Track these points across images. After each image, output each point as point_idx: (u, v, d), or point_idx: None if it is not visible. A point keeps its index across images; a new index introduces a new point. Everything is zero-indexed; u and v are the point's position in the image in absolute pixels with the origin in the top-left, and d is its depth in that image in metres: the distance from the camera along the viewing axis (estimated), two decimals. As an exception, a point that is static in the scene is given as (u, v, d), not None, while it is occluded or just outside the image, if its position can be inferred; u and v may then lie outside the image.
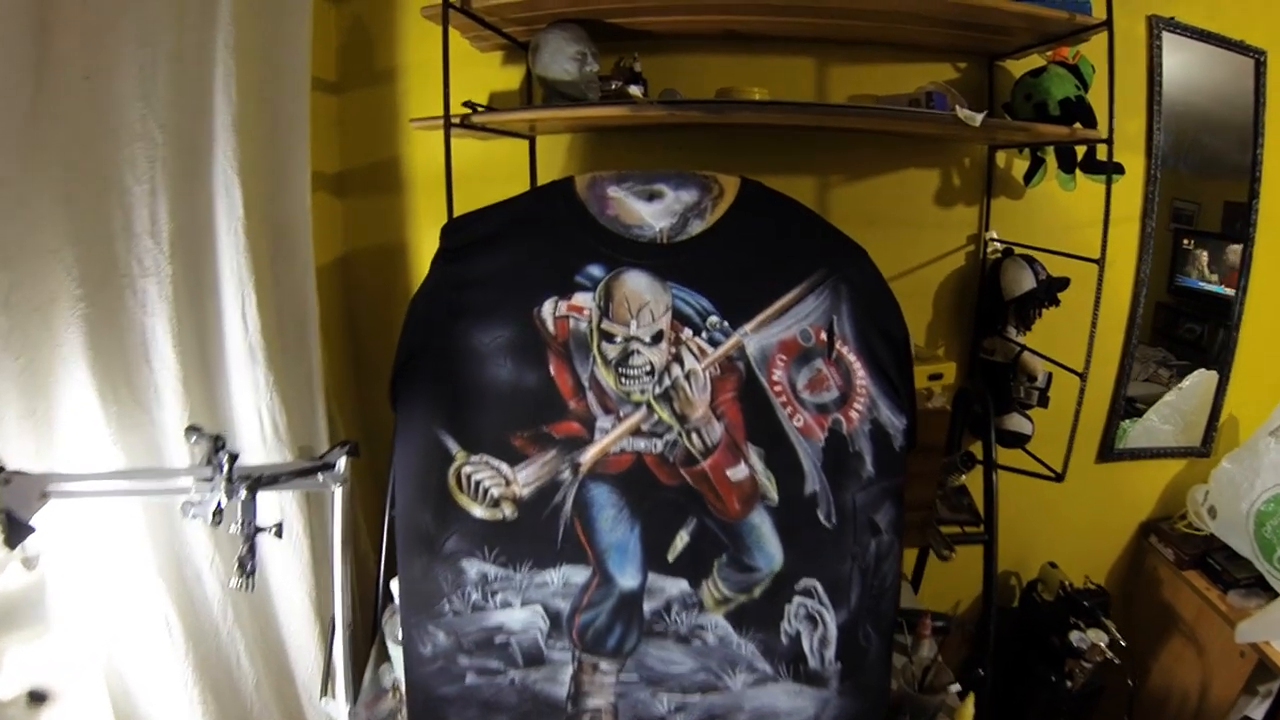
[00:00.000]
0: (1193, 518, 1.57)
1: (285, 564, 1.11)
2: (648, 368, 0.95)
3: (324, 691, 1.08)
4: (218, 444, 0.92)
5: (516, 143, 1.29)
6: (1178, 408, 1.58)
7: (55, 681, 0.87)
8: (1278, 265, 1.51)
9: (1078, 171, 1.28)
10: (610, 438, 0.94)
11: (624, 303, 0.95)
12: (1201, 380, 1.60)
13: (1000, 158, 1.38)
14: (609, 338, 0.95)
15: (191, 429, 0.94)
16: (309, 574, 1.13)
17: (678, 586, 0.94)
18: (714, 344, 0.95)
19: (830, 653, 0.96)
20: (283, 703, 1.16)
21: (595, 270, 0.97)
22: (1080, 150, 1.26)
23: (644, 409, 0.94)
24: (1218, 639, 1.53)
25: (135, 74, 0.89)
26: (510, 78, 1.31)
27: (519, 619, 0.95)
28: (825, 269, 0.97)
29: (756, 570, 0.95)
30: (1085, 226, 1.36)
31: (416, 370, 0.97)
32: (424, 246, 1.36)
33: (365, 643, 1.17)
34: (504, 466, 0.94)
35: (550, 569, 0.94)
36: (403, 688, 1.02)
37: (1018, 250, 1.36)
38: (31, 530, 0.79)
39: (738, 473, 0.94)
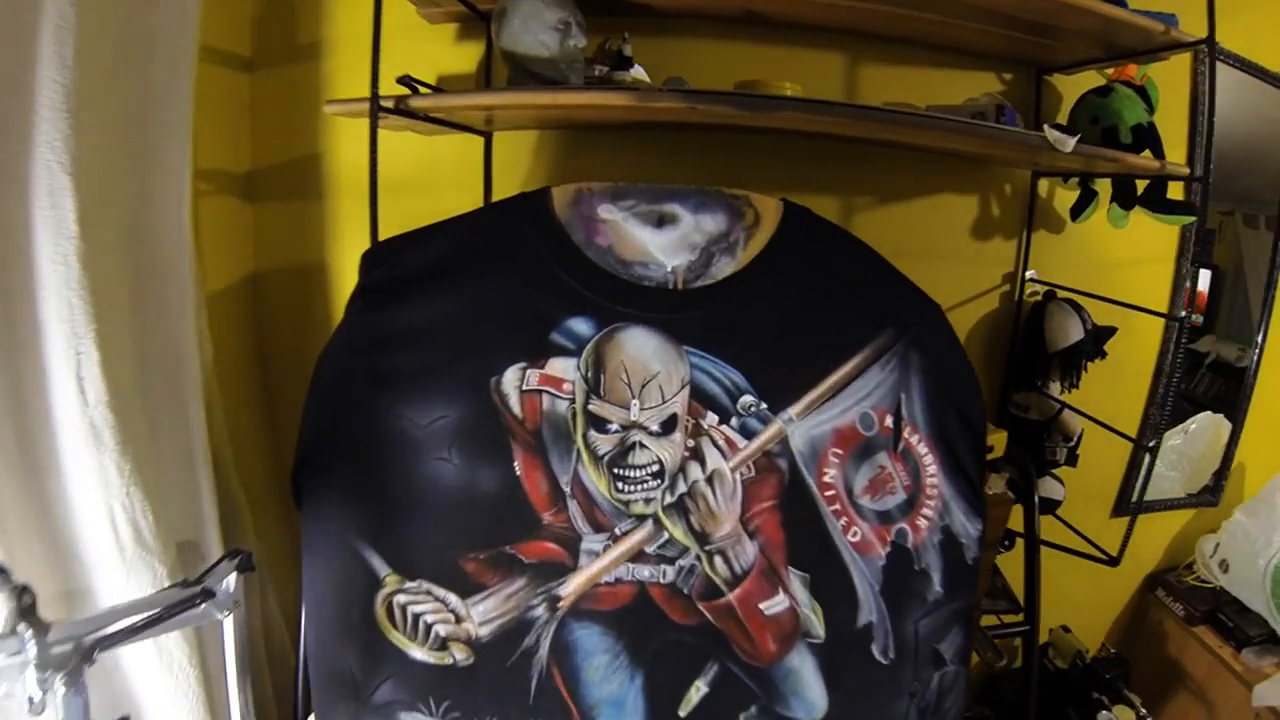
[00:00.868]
0: (1201, 570, 1.32)
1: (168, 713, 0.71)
2: (655, 468, 0.59)
3: None
4: (22, 599, 0.51)
5: (468, 140, 0.91)
6: (1185, 454, 1.32)
7: None
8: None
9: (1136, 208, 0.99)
10: (601, 564, 0.59)
11: (621, 374, 0.60)
12: (1209, 424, 1.34)
13: (1042, 186, 1.08)
14: (600, 424, 0.60)
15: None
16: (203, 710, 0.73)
17: (690, 749, 0.61)
18: (747, 434, 0.60)
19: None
20: None
21: (580, 326, 0.61)
22: (1140, 184, 0.98)
23: (649, 525, 0.59)
24: (1230, 699, 1.27)
25: None
26: (466, 57, 0.92)
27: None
28: (893, 330, 0.64)
29: (793, 724, 0.62)
30: (1122, 267, 1.08)
31: (327, 459, 0.61)
32: (355, 268, 0.96)
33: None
34: (452, 598, 0.59)
35: (519, 726, 0.59)
36: None
37: (1060, 293, 1.06)
38: None
39: (774, 605, 0.61)
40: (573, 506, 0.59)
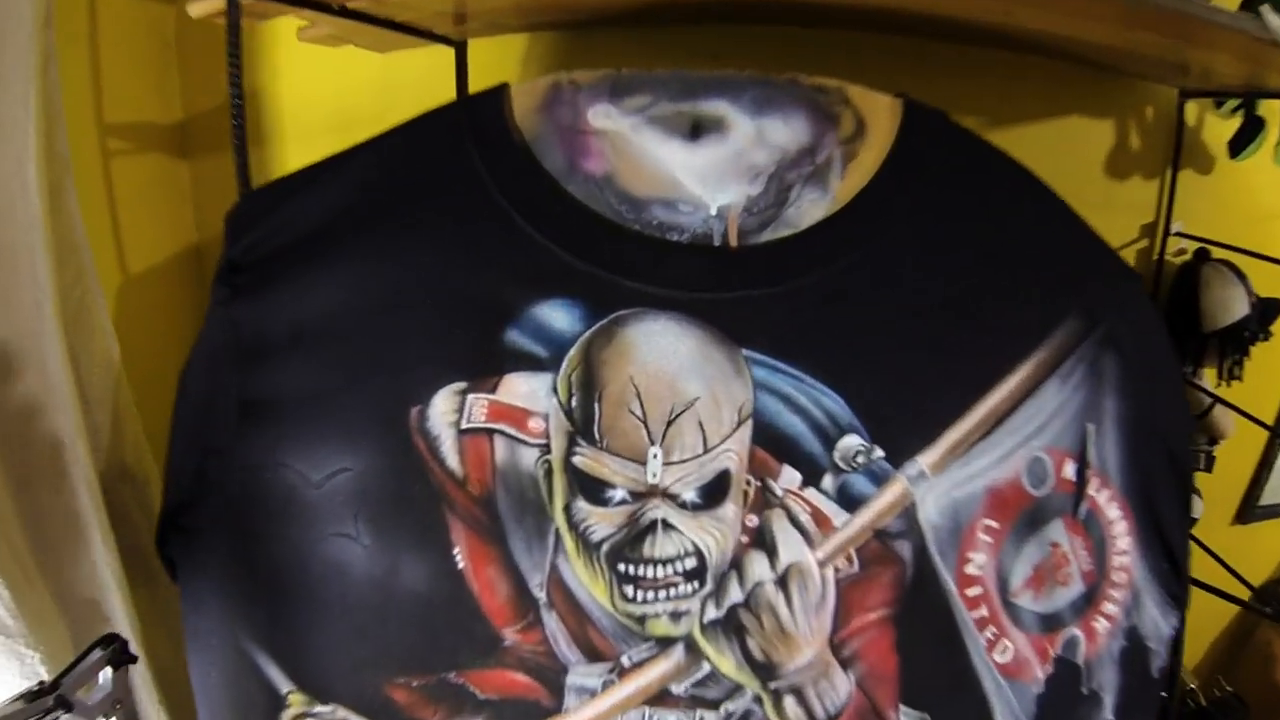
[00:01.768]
0: None
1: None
2: (689, 563, 0.31)
3: None
4: None
5: (435, 53, 0.59)
6: None
7: None
8: None
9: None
10: (600, 709, 0.31)
11: (631, 402, 0.30)
12: None
13: (1190, 112, 0.71)
14: (595, 490, 0.31)
15: None
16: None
17: None
18: (849, 503, 0.31)
19: None
20: None
21: (557, 316, 0.31)
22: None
23: (679, 652, 0.31)
24: None
25: None
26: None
27: None
28: (1080, 318, 0.33)
29: None
30: (1273, 219, 0.71)
31: (197, 521, 0.34)
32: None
33: None
34: None
35: None
36: None
37: (1215, 253, 0.71)
38: None
39: None
40: (551, 621, 0.31)
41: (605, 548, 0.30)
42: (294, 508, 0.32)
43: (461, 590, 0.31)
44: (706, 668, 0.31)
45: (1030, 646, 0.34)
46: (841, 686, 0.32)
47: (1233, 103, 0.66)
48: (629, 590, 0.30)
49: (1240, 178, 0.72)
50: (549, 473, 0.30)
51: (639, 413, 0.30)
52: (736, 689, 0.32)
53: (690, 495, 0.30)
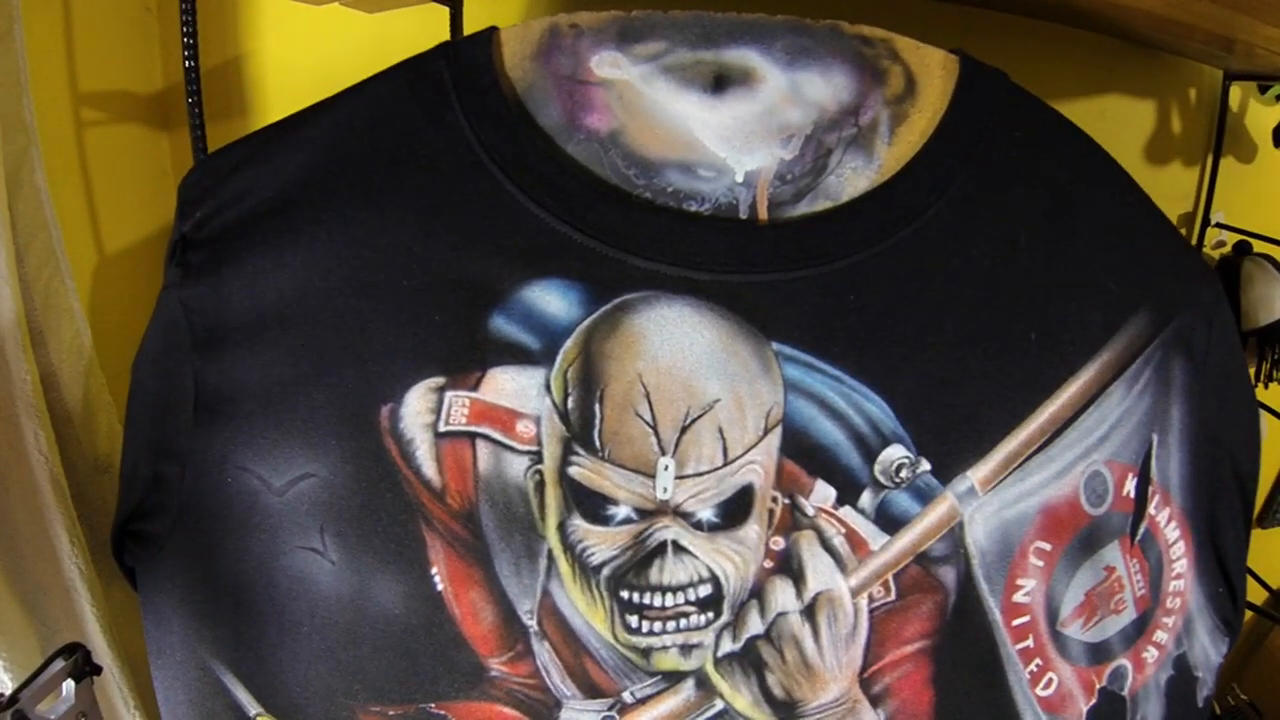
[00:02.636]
0: None
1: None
2: (703, 591, 0.23)
3: None
4: None
5: (430, 12, 0.50)
6: None
7: None
8: None
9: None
10: (597, 747, 0.24)
11: (639, 402, 0.22)
12: None
13: (1234, 96, 0.62)
14: (594, 506, 0.23)
15: None
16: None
17: None
18: (888, 524, 0.23)
19: None
20: None
21: (551, 299, 0.23)
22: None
23: (689, 688, 0.24)
24: None
25: None
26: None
27: None
28: (1151, 316, 0.25)
29: None
30: None
31: (154, 528, 0.26)
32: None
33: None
34: None
35: None
36: None
37: (1257, 246, 0.62)
38: None
39: None
40: (542, 651, 0.24)
41: (606, 572, 0.23)
42: (256, 516, 0.25)
43: (441, 614, 0.24)
44: (719, 705, 0.24)
45: (1076, 679, 0.27)
46: None
47: (1278, 88, 0.57)
48: (633, 620, 0.23)
49: (1267, 164, 0.63)
50: (540, 485, 0.23)
51: (648, 417, 0.22)
52: None
53: (706, 514, 0.23)
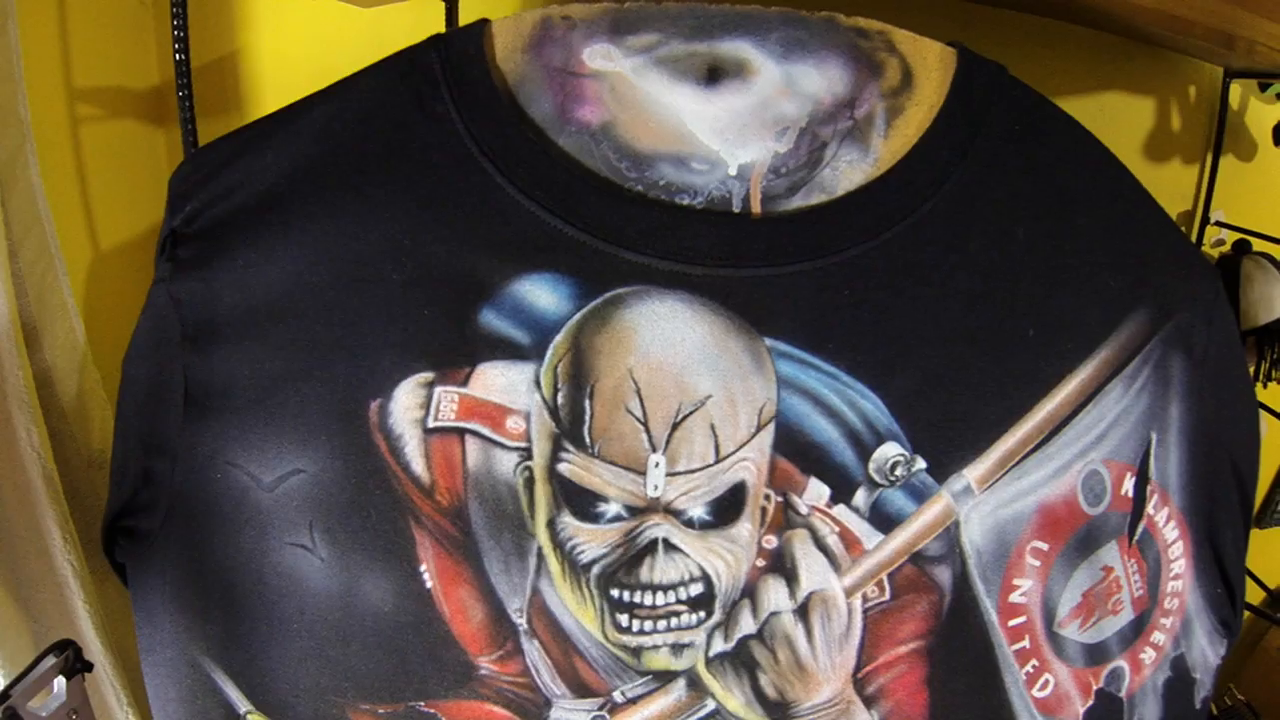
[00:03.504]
0: None
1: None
2: (695, 589, 0.23)
3: None
4: None
5: (425, 7, 0.50)
6: None
7: None
8: None
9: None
10: (587, 747, 0.24)
11: (630, 398, 0.22)
12: None
13: (1234, 94, 0.61)
14: (584, 503, 0.23)
15: None
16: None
17: None
18: (883, 523, 0.23)
19: None
20: None
21: (541, 293, 0.23)
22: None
23: (680, 689, 0.24)
24: None
25: None
26: None
27: None
28: (1150, 313, 0.25)
29: None
30: None
31: (144, 525, 0.26)
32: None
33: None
34: None
35: None
36: None
37: (1256, 244, 0.61)
38: None
39: None
40: (532, 650, 0.24)
41: (596, 570, 0.23)
42: (246, 512, 0.25)
43: (430, 612, 0.24)
44: (711, 705, 0.24)
45: (1072, 680, 0.27)
46: None
47: (1278, 85, 0.57)
48: (623, 619, 0.23)
49: (1266, 164, 0.63)
50: (530, 482, 0.23)
51: (639, 413, 0.22)
52: None
53: (698, 512, 0.23)
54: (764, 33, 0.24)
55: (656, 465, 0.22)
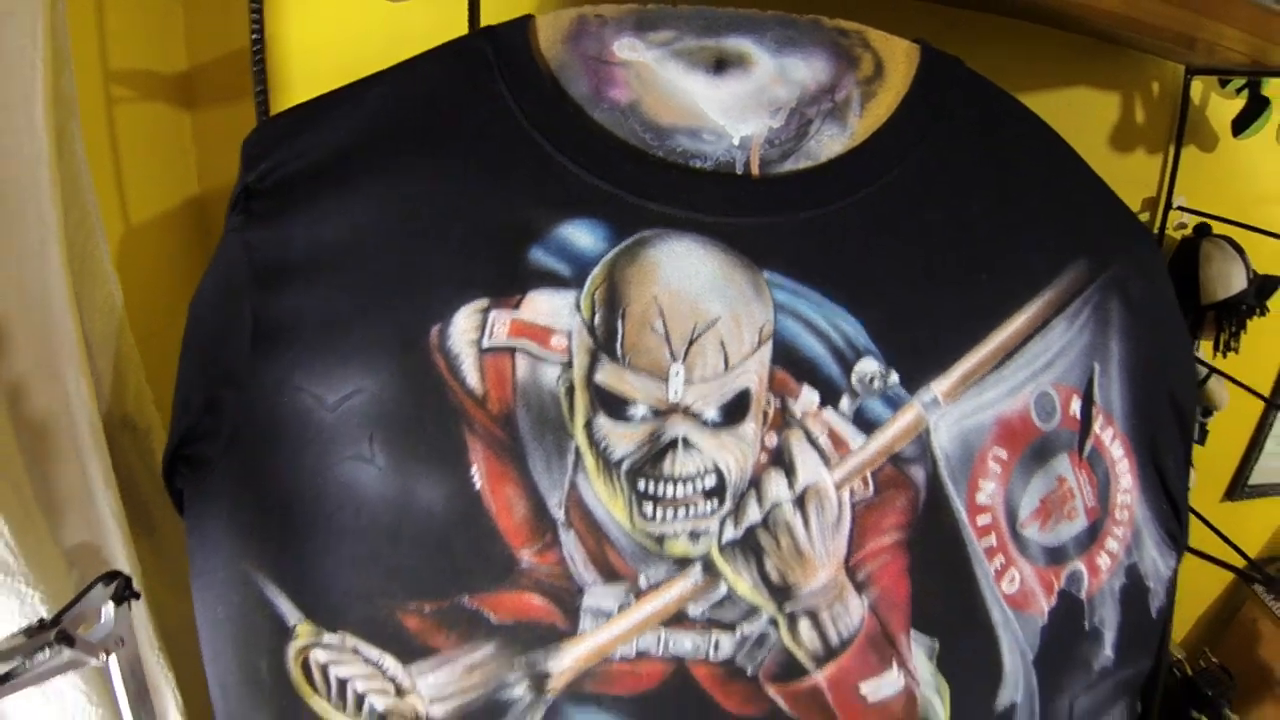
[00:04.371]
0: None
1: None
2: (709, 481, 0.29)
3: None
4: None
5: (446, 1, 0.57)
6: None
7: None
8: None
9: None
10: (615, 632, 0.29)
11: (655, 320, 0.28)
12: None
13: (1195, 89, 0.70)
14: (616, 407, 0.29)
15: None
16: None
17: None
18: (865, 426, 0.29)
19: None
20: None
21: (582, 236, 0.29)
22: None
23: (697, 573, 0.29)
24: None
25: None
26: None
27: None
28: (1088, 264, 0.32)
29: None
30: (1273, 200, 0.72)
31: (206, 451, 0.30)
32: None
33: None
34: (388, 662, 0.30)
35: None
36: None
37: (1216, 228, 0.70)
38: None
39: (883, 687, 0.32)
40: (568, 541, 0.29)
41: (625, 465, 0.28)
42: (308, 432, 0.29)
43: (477, 510, 0.28)
44: (724, 589, 0.29)
45: (1036, 578, 0.33)
46: (855, 611, 0.30)
47: (1238, 81, 0.66)
48: (648, 509, 0.28)
49: (1242, 157, 0.71)
50: (570, 390, 0.28)
51: (662, 331, 0.28)
52: (752, 611, 0.30)
53: (711, 413, 0.28)
54: (762, 32, 0.31)
55: (677, 374, 0.28)
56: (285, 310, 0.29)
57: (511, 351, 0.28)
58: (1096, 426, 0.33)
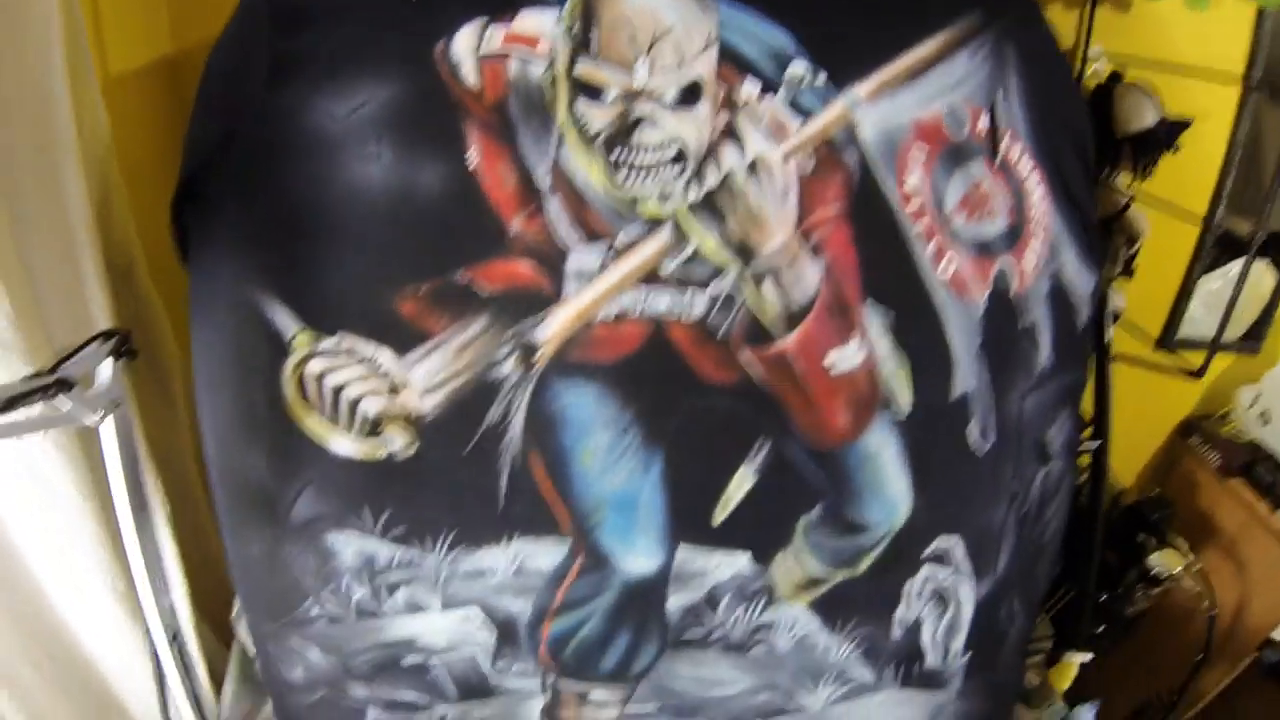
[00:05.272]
0: (1239, 421, 1.08)
1: (60, 543, 0.47)
2: (672, 149, 0.36)
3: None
4: None
5: None
6: (1223, 296, 1.07)
7: None
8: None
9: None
10: (598, 290, 0.36)
11: (624, 26, 0.36)
12: (1255, 271, 1.09)
13: None
14: (592, 92, 0.36)
15: None
16: (106, 555, 0.49)
17: (732, 565, 0.39)
18: (801, 113, 0.37)
19: (958, 642, 0.44)
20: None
21: (562, -31, 0.37)
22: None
23: (667, 230, 0.36)
24: (1263, 558, 1.03)
25: None
26: None
27: (441, 630, 0.38)
28: (981, 13, 0.41)
29: (868, 529, 0.40)
30: (1187, 75, 0.83)
31: (216, 184, 0.36)
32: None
33: (220, 643, 0.56)
34: (384, 356, 0.35)
35: (490, 545, 0.37)
36: None
37: (1129, 75, 0.82)
38: None
39: (847, 357, 0.38)
40: (553, 206, 0.35)
41: (601, 137, 0.34)
42: (318, 144, 0.34)
43: (472, 187, 0.34)
44: (691, 247, 0.36)
45: (972, 267, 0.39)
46: (811, 274, 0.36)
47: None
48: (622, 174, 0.35)
49: (1150, 18, 0.82)
50: (554, 81, 0.35)
51: (631, 33, 0.35)
52: (720, 270, 0.35)
53: (671, 96, 0.35)
54: None
55: (642, 64, 0.35)
56: (298, 49, 0.35)
57: (505, 56, 0.36)
58: (1004, 142, 0.41)
